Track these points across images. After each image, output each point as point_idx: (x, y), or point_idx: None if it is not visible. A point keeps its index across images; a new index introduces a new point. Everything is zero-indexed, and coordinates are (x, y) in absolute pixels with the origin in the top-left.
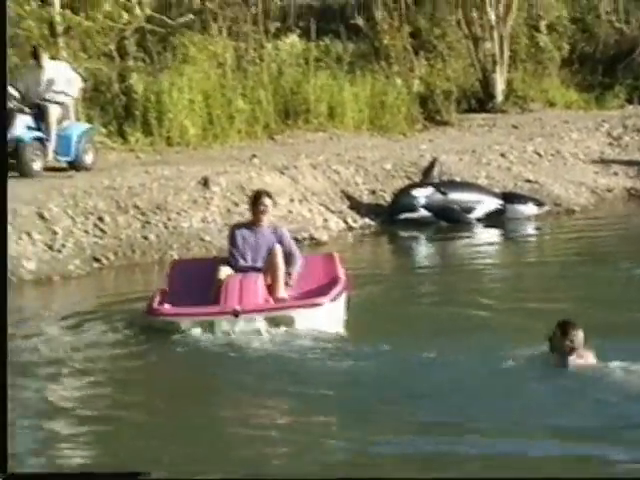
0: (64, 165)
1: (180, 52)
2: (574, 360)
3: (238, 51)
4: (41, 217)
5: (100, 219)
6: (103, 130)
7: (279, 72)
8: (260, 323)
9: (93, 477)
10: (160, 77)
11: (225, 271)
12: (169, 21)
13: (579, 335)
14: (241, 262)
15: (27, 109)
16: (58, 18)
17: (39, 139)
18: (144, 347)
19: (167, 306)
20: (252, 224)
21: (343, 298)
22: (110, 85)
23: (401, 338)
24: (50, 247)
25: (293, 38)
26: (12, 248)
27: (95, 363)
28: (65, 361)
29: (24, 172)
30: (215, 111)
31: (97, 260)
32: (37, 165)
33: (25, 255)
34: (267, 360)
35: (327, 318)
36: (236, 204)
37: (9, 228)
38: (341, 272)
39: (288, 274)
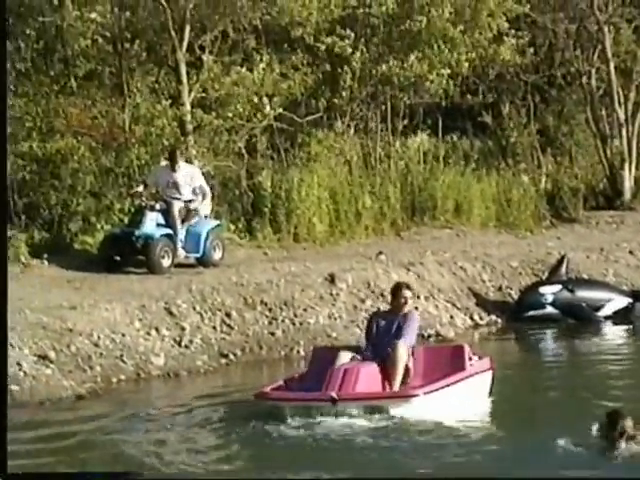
0: (192, 261)
1: (307, 149)
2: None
3: (365, 148)
4: (170, 313)
5: (227, 315)
6: (231, 227)
7: (407, 169)
8: (356, 411)
9: (90, 477)
10: (288, 174)
11: (343, 358)
12: (297, 119)
13: (627, 424)
14: (369, 350)
15: (156, 205)
16: (188, 117)
17: (168, 236)
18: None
19: (274, 391)
20: (391, 313)
21: (459, 387)
22: (238, 182)
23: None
24: (178, 343)
25: (421, 136)
26: (141, 344)
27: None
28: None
29: (154, 269)
30: (342, 208)
31: (224, 356)
32: (166, 262)
33: (154, 351)
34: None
35: (426, 408)
36: (362, 300)
37: (138, 324)
38: (468, 363)
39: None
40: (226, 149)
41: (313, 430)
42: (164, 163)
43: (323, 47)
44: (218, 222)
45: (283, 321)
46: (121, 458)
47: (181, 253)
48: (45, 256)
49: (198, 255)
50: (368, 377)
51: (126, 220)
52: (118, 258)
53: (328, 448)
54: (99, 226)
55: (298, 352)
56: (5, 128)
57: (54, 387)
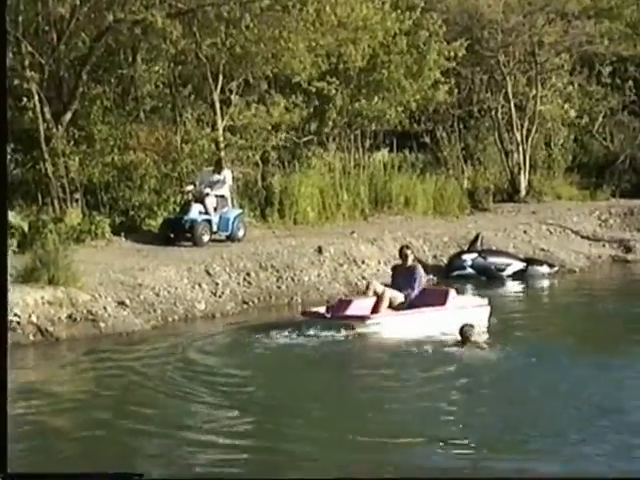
0: (223, 238)
1: (305, 161)
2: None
3: (343, 160)
4: (208, 273)
5: (248, 274)
6: (250, 214)
7: (372, 174)
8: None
9: (92, 477)
10: (291, 178)
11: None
12: (296, 140)
13: (470, 330)
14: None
15: (199, 199)
16: (221, 138)
17: (207, 220)
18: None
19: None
20: (401, 267)
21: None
22: (255, 183)
23: None
24: (214, 294)
25: (382, 152)
26: (188, 294)
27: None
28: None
29: (197, 243)
30: (327, 201)
31: (246, 303)
32: (205, 238)
33: (197, 299)
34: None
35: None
36: (341, 265)
37: (186, 280)
38: (450, 301)
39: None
40: (247, 160)
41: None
42: (207, 168)
43: (314, 89)
44: (241, 210)
45: (286, 279)
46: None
47: (216, 231)
48: (122, 234)
49: (228, 233)
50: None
51: (178, 209)
52: (172, 235)
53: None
54: (159, 213)
55: (296, 300)
56: (6, 129)
57: (128, 324)
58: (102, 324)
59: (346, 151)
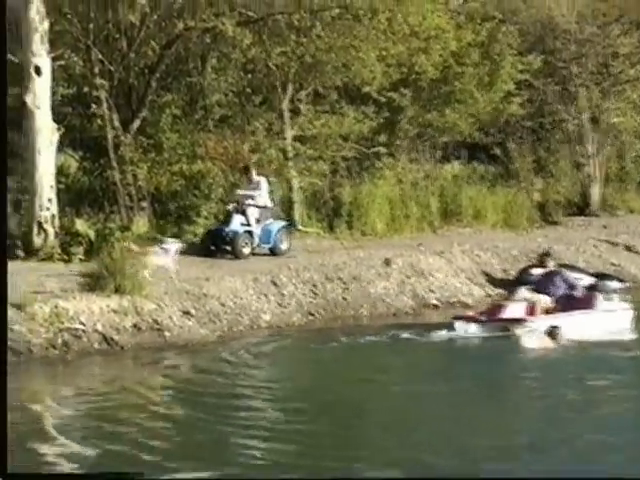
0: (266, 251)
1: (374, 172)
2: None
3: (413, 171)
4: (274, 284)
5: (314, 286)
6: (318, 224)
7: (442, 186)
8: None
9: (91, 477)
10: (359, 188)
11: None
12: (365, 150)
13: None
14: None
15: (241, 210)
16: (289, 148)
17: (248, 232)
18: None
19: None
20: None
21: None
22: (323, 194)
23: None
24: (280, 304)
25: (453, 164)
26: (254, 305)
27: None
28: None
29: (237, 255)
30: (396, 212)
31: (311, 314)
32: (246, 251)
33: (262, 310)
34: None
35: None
36: (408, 277)
37: (252, 291)
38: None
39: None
40: (317, 171)
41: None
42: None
43: (384, 100)
44: (285, 222)
45: (353, 290)
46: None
47: (257, 244)
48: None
49: (269, 246)
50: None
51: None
52: (213, 247)
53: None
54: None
55: (362, 312)
56: (5, 129)
57: (194, 333)
58: (167, 333)
59: (416, 162)
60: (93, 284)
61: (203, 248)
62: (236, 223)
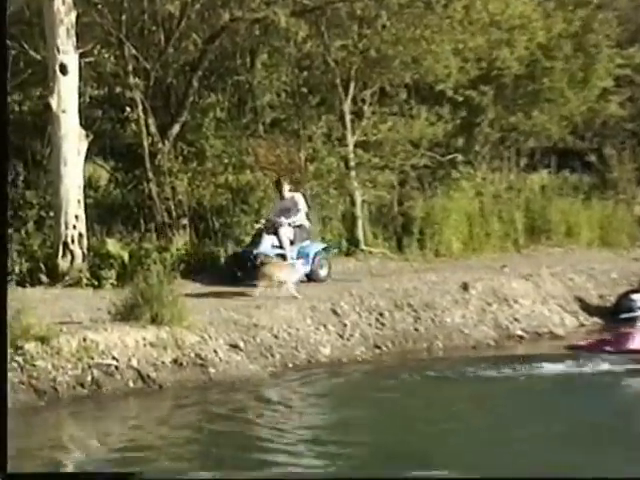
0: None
1: (450, 183)
2: None
3: (494, 182)
4: (334, 312)
5: (381, 314)
6: (385, 244)
7: (528, 199)
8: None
9: (91, 477)
10: (432, 202)
11: None
12: (439, 157)
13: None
14: None
15: (272, 229)
16: (351, 156)
17: (280, 255)
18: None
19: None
20: None
21: None
22: (391, 209)
23: None
24: (341, 336)
25: (541, 172)
26: (312, 336)
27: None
28: None
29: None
30: (475, 230)
31: (378, 347)
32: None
33: (321, 342)
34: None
35: None
36: (489, 304)
37: (309, 321)
38: None
39: None
40: (382, 182)
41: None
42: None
43: (461, 99)
44: (326, 244)
45: (425, 320)
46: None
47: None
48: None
49: (306, 271)
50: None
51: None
52: (240, 273)
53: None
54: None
55: (437, 345)
56: (6, 130)
57: (242, 370)
58: (212, 370)
59: (498, 171)
60: (127, 313)
61: (228, 274)
62: (266, 244)
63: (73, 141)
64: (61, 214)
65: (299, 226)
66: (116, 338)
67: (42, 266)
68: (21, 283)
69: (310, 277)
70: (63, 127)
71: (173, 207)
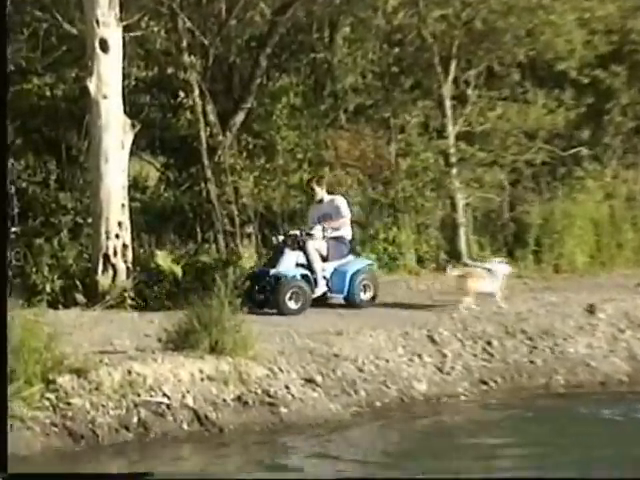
0: (340, 300)
1: (573, 183)
2: None
3: (629, 182)
4: (432, 340)
5: (488, 343)
6: (494, 257)
7: None
8: None
9: (96, 478)
10: (552, 205)
11: None
12: (562, 152)
13: None
14: None
15: (296, 243)
16: (452, 150)
17: (304, 276)
18: None
19: None
20: None
21: None
22: (500, 214)
23: None
24: (440, 369)
25: None
26: (404, 369)
27: None
28: None
29: (279, 309)
30: (604, 240)
31: (484, 382)
32: (293, 305)
33: (416, 376)
34: None
35: None
36: (622, 331)
37: (401, 350)
38: None
39: None
40: (489, 181)
41: None
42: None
43: (587, 81)
44: (370, 262)
45: (543, 350)
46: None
47: (323, 291)
48: None
49: (342, 295)
50: None
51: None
52: (262, 297)
53: None
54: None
55: (557, 381)
56: (5, 129)
57: (320, 410)
58: (283, 409)
59: (632, 168)
60: (180, 341)
61: (248, 297)
62: (287, 262)
63: (116, 133)
64: (101, 221)
65: (336, 238)
66: (167, 371)
67: (78, 283)
68: (53, 304)
69: (348, 302)
70: (104, 116)
71: (236, 212)
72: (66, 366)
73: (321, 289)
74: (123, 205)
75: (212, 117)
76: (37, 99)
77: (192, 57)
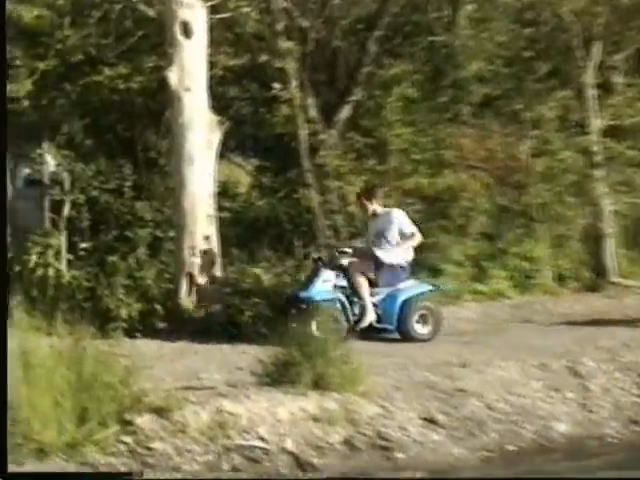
0: (393, 332)
1: None
2: None
3: None
4: (574, 372)
5: None
6: None
7: None
8: None
9: (92, 477)
10: None
11: None
12: None
13: None
14: None
15: (334, 262)
16: (596, 147)
17: (338, 301)
18: None
19: None
20: None
21: None
22: None
23: None
24: (584, 406)
25: None
26: (540, 407)
27: None
28: None
29: None
30: None
31: (636, 423)
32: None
33: (555, 415)
34: None
35: None
36: None
37: (537, 384)
38: None
39: None
40: None
41: None
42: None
43: None
44: (431, 287)
45: None
46: None
47: (369, 322)
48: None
49: (391, 326)
50: None
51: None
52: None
53: None
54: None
55: None
56: (5, 129)
57: (442, 454)
58: (399, 454)
59: None
60: (279, 375)
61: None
62: (322, 284)
63: (201, 131)
64: (184, 234)
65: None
66: (264, 410)
67: (158, 308)
68: (130, 332)
69: (401, 334)
70: (187, 111)
71: (342, 223)
72: (146, 405)
73: (369, 318)
74: (210, 216)
75: (313, 112)
76: (109, 93)
77: (289, 42)
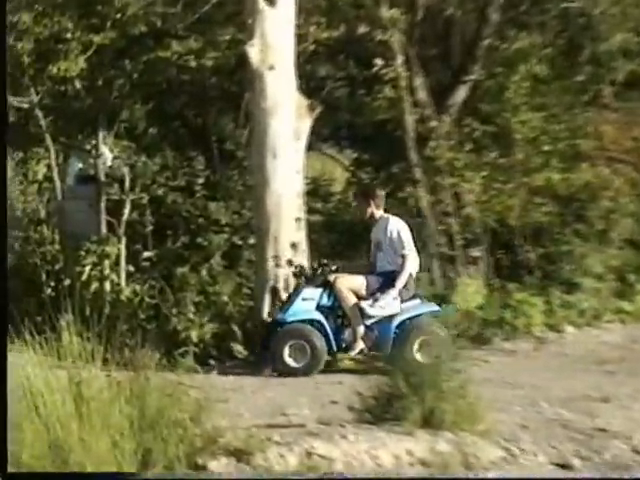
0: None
1: None
2: None
3: None
4: None
5: None
6: None
7: None
8: None
9: (92, 477)
10: None
11: None
12: None
13: None
14: None
15: (318, 277)
16: None
17: (317, 324)
18: None
19: None
20: None
21: None
22: None
23: None
24: None
25: None
26: None
27: None
28: None
29: (277, 367)
30: None
31: None
32: (293, 362)
33: None
34: None
35: None
36: None
37: None
38: None
39: None
40: None
41: None
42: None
43: None
44: (434, 308)
45: None
46: None
47: (356, 349)
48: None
49: (384, 353)
50: None
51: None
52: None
53: None
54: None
55: None
56: (5, 130)
57: None
58: None
59: None
60: (381, 410)
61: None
62: (301, 305)
63: (287, 118)
64: (268, 242)
65: (387, 273)
66: (363, 452)
67: (236, 329)
68: (203, 358)
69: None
70: (270, 94)
71: (457, 228)
72: (221, 446)
73: (358, 345)
74: (298, 219)
75: (422, 94)
76: (177, 71)
77: (393, 10)
